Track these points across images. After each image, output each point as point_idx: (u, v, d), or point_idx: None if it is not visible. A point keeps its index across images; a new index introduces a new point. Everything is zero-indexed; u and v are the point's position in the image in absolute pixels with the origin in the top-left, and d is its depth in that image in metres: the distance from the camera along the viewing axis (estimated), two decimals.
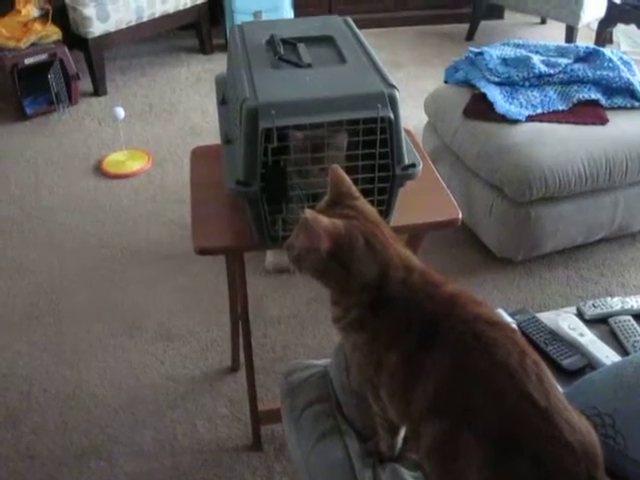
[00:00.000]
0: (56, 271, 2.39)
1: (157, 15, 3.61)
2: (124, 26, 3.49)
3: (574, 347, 1.35)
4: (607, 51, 2.51)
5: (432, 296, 0.97)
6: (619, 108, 2.37)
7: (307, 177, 1.23)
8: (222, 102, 1.50)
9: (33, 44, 3.23)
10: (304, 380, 1.32)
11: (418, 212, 1.40)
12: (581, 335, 1.37)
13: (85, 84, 3.52)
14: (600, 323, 1.42)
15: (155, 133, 3.22)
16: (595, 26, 3.84)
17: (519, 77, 2.43)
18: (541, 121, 2.31)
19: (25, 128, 3.27)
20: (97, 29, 3.38)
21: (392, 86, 1.22)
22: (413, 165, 1.27)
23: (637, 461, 1.03)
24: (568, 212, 2.26)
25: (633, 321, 1.40)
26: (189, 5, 3.74)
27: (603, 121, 2.31)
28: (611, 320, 1.41)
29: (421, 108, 2.69)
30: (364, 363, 1.03)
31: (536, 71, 2.42)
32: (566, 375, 1.28)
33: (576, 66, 2.45)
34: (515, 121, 2.30)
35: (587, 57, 2.52)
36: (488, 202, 2.29)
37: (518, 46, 2.65)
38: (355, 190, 1.02)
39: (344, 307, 1.01)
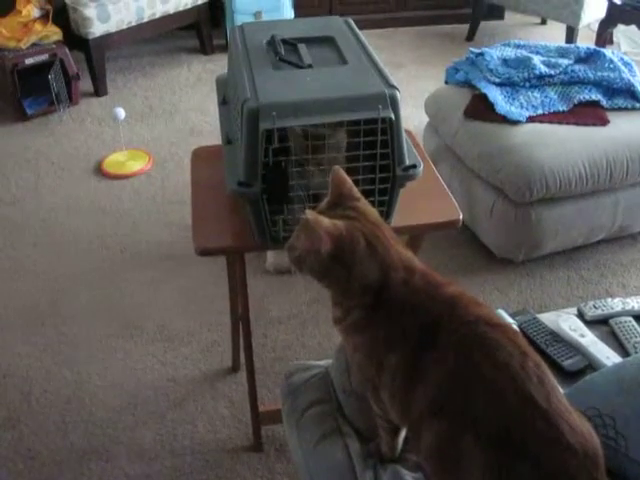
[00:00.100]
0: (56, 272, 2.39)
1: (157, 15, 3.61)
2: (125, 26, 3.49)
3: (575, 348, 1.35)
4: (608, 52, 2.51)
5: (433, 297, 0.97)
6: (620, 109, 2.37)
7: (308, 178, 1.23)
8: (223, 103, 1.50)
9: (34, 44, 3.24)
10: (305, 381, 1.31)
11: (419, 213, 1.40)
12: (582, 336, 1.37)
13: (85, 84, 3.52)
14: (601, 324, 1.42)
15: (155, 133, 3.22)
16: (595, 27, 3.84)
17: (520, 78, 2.43)
18: (542, 122, 2.31)
19: (25, 128, 3.27)
20: (98, 29, 3.38)
21: (393, 87, 1.21)
22: (414, 166, 1.27)
23: (638, 462, 1.03)
24: (569, 213, 2.26)
25: (634, 322, 1.40)
26: (189, 6, 3.74)
27: (604, 122, 2.31)
28: (612, 321, 1.41)
29: (421, 108, 2.69)
30: (365, 364, 1.03)
31: (537, 72, 2.42)
32: (567, 376, 1.28)
33: (577, 67, 2.45)
34: (516, 122, 2.30)
35: (588, 58, 2.52)
36: (489, 203, 2.28)
37: (519, 47, 2.65)
38: (356, 191, 1.02)
39: (345, 308, 1.01)
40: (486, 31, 4.25)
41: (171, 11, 3.66)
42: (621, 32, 4.10)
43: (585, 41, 3.70)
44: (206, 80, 3.70)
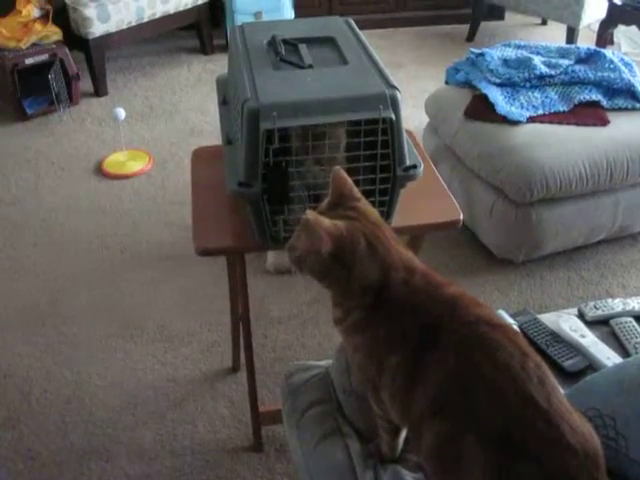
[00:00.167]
0: (56, 272, 2.39)
1: (158, 16, 3.61)
2: (125, 26, 3.49)
3: (575, 348, 1.35)
4: (608, 52, 2.51)
5: (433, 298, 0.97)
6: (620, 109, 2.37)
7: (308, 178, 1.23)
8: (223, 103, 1.50)
9: (34, 44, 3.24)
10: (305, 381, 1.31)
11: (419, 213, 1.40)
12: (582, 336, 1.37)
13: (85, 84, 3.52)
14: (601, 324, 1.42)
15: (156, 134, 3.22)
16: (596, 27, 3.84)
17: (520, 78, 2.43)
18: (542, 122, 2.31)
19: (25, 128, 3.27)
20: (98, 29, 3.38)
21: (393, 87, 1.21)
22: (414, 166, 1.27)
23: (638, 462, 1.03)
24: (569, 213, 2.26)
25: (634, 322, 1.40)
26: (190, 6, 3.74)
27: (604, 122, 2.31)
28: (612, 321, 1.41)
29: (422, 109, 2.69)
30: (365, 365, 1.03)
31: (537, 72, 2.42)
32: (567, 376, 1.28)
33: (577, 67, 2.45)
34: (516, 122, 2.30)
35: (588, 58, 2.52)
36: (489, 203, 2.28)
37: (519, 47, 2.65)
38: (357, 191, 1.02)
39: (345, 309, 1.01)
40: (486, 31, 4.25)
41: (171, 11, 3.66)
42: (621, 32, 4.10)
43: (585, 41, 3.69)
44: (206, 80, 3.70)
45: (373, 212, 1.01)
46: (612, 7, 3.64)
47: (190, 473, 1.72)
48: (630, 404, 1.06)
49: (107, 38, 3.45)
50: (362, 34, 1.43)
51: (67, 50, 3.31)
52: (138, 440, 1.80)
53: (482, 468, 0.87)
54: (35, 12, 3.28)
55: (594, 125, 2.30)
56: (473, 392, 0.89)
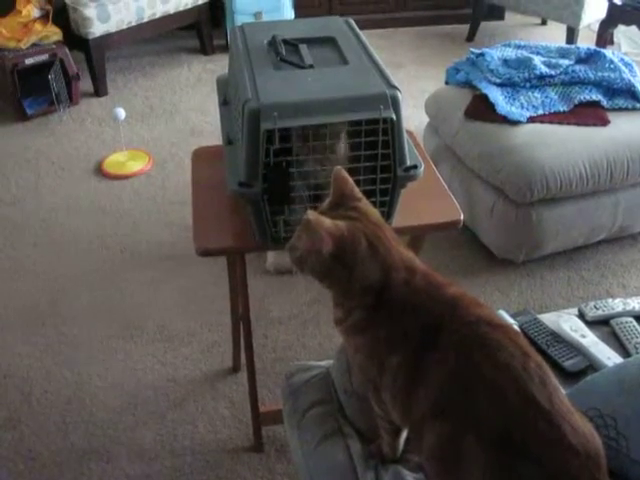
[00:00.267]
0: (56, 272, 2.39)
1: (158, 16, 3.61)
2: (125, 26, 3.49)
3: (576, 348, 1.35)
4: (608, 52, 2.51)
5: (434, 298, 0.97)
6: (620, 109, 2.37)
7: (309, 178, 1.23)
8: (224, 103, 1.50)
9: (34, 44, 3.24)
10: (306, 382, 1.31)
11: (420, 213, 1.40)
12: (583, 336, 1.37)
13: (85, 84, 3.52)
14: (602, 324, 1.42)
15: (156, 134, 3.22)
16: (596, 27, 3.84)
17: (520, 78, 2.43)
18: (542, 122, 2.31)
19: (25, 128, 3.27)
20: (98, 29, 3.38)
21: (394, 87, 1.21)
22: (415, 166, 1.27)
23: (639, 462, 1.03)
24: (569, 213, 2.26)
25: (635, 322, 1.40)
26: (190, 6, 3.74)
27: (604, 122, 2.31)
28: (613, 321, 1.41)
29: (422, 109, 2.69)
30: (366, 365, 1.03)
31: (537, 72, 2.42)
32: (568, 376, 1.28)
33: (577, 67, 2.45)
34: (516, 122, 2.29)
35: (588, 58, 2.52)
36: (489, 203, 2.28)
37: (519, 47, 2.65)
38: (358, 191, 1.02)
39: (346, 309, 1.01)
40: (486, 31, 4.25)
41: (171, 11, 3.66)
42: (621, 33, 4.10)
43: (585, 42, 3.69)
44: (206, 80, 3.70)
45: (374, 212, 1.01)
46: (612, 7, 3.64)
47: (190, 473, 1.72)
48: (631, 404, 1.06)
49: (107, 38, 3.45)
50: (362, 34, 1.43)
51: (67, 50, 3.31)
52: (138, 440, 1.80)
53: (483, 469, 0.87)
54: (35, 12, 3.28)
55: (594, 125, 2.30)
56: (474, 392, 0.89)
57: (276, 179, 1.20)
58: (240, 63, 1.31)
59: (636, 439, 1.03)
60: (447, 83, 2.66)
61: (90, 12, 3.32)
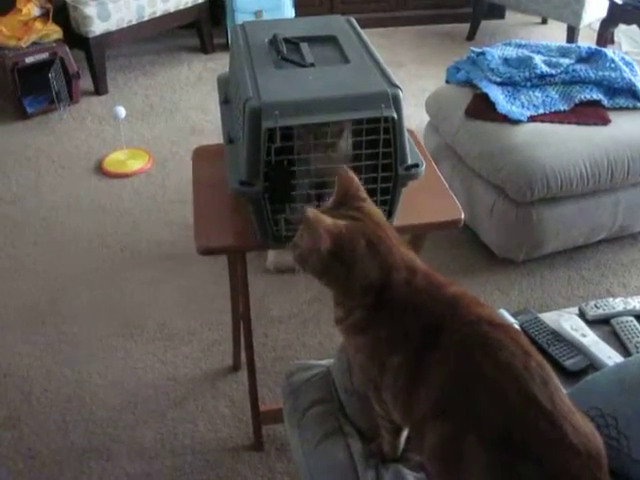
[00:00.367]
0: (56, 270, 2.39)
1: (158, 14, 3.61)
2: (125, 25, 3.49)
3: (576, 348, 1.35)
4: (609, 51, 2.51)
5: (435, 298, 0.97)
6: (621, 109, 2.37)
7: (310, 177, 1.23)
8: (224, 102, 1.50)
9: (34, 43, 3.23)
10: (306, 381, 1.31)
11: (421, 212, 1.40)
12: (583, 336, 1.37)
13: (86, 83, 3.52)
14: (602, 324, 1.42)
15: (156, 132, 3.22)
16: (596, 26, 3.84)
17: (521, 77, 2.43)
18: (543, 121, 2.31)
19: (26, 127, 3.27)
20: (98, 28, 3.38)
21: (395, 86, 1.21)
22: (416, 165, 1.27)
23: None
24: (569, 212, 2.25)
25: (635, 322, 1.40)
26: (190, 4, 3.74)
27: (605, 121, 2.31)
28: (613, 321, 1.41)
29: (422, 108, 2.69)
30: (367, 365, 1.03)
31: (538, 71, 2.42)
32: (568, 376, 1.28)
33: (578, 66, 2.44)
34: (517, 121, 2.29)
35: (589, 57, 2.52)
36: (490, 202, 2.28)
37: (520, 46, 2.65)
38: (363, 192, 1.02)
39: (347, 308, 1.01)
40: (487, 30, 4.24)
41: (171, 10, 3.66)
42: (622, 32, 4.09)
43: (586, 41, 3.70)
44: (207, 79, 3.70)
45: (377, 213, 1.01)
46: (613, 6, 3.64)
47: (190, 472, 1.72)
48: (632, 403, 1.06)
49: (107, 37, 3.45)
50: (363, 33, 1.43)
51: (67, 49, 3.31)
52: (138, 439, 1.80)
53: (484, 468, 0.87)
54: (35, 11, 3.28)
55: (595, 124, 2.30)
56: (475, 392, 0.89)
57: (277, 178, 1.20)
58: (241, 62, 1.31)
59: (637, 438, 1.03)
60: (448, 82, 2.66)
61: (90, 10, 3.32)
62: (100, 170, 2.94)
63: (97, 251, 2.48)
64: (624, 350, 1.34)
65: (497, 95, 2.38)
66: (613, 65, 2.43)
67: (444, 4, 4.41)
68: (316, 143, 1.19)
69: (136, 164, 2.95)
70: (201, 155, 1.62)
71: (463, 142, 2.38)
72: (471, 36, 4.19)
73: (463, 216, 1.40)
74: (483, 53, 2.57)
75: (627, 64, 2.48)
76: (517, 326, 1.39)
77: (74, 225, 2.61)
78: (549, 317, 1.45)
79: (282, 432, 1.78)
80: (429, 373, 0.92)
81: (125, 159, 2.97)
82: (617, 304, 1.45)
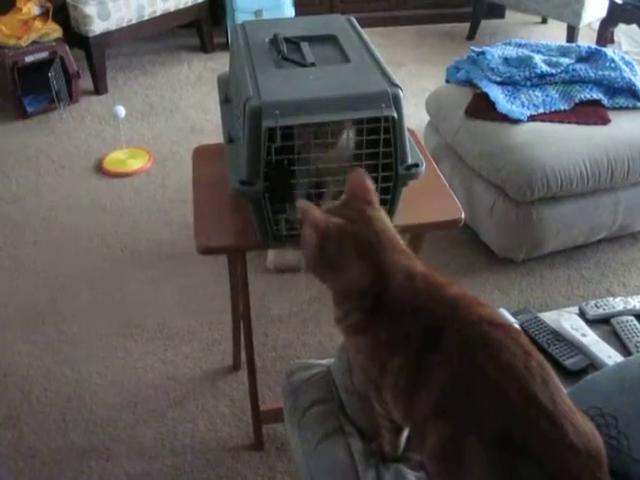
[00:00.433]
0: (56, 270, 2.39)
1: (158, 13, 3.61)
2: (125, 24, 3.49)
3: (576, 347, 1.35)
4: (609, 51, 2.51)
5: (435, 299, 0.96)
6: (621, 108, 2.37)
7: (310, 176, 1.23)
8: (225, 101, 1.50)
9: (34, 42, 3.23)
10: (306, 380, 1.31)
11: (421, 212, 1.40)
12: (583, 335, 1.37)
13: (86, 82, 3.52)
14: (602, 323, 1.42)
15: (156, 132, 3.22)
16: (596, 26, 3.84)
17: (521, 77, 2.43)
18: (543, 121, 2.31)
19: (26, 126, 3.27)
20: (98, 27, 3.37)
21: (396, 85, 1.21)
22: (416, 165, 1.27)
23: None
24: (569, 212, 2.26)
25: (635, 321, 1.40)
26: (190, 3, 3.74)
27: (605, 121, 2.31)
28: (613, 320, 1.41)
29: (422, 107, 2.69)
30: (367, 366, 1.02)
31: (538, 71, 2.42)
32: (568, 375, 1.28)
33: (578, 66, 2.44)
34: (517, 121, 2.29)
35: (589, 57, 2.52)
36: (489, 202, 2.28)
37: (520, 46, 2.65)
38: (372, 195, 1.01)
39: (345, 309, 1.01)
40: (487, 30, 4.24)
41: (171, 9, 3.66)
42: (622, 31, 4.09)
43: (586, 40, 3.69)
44: (207, 78, 3.70)
45: (380, 218, 0.99)
46: (613, 6, 3.64)
47: (190, 472, 1.72)
48: (632, 403, 1.06)
49: (107, 36, 3.45)
50: (364, 32, 1.43)
51: (67, 48, 3.31)
52: (138, 438, 1.80)
53: (484, 468, 0.87)
54: (35, 10, 3.28)
55: (595, 124, 2.30)
56: (476, 392, 0.89)
57: (277, 177, 1.20)
58: (241, 61, 1.31)
59: (637, 438, 1.03)
60: (448, 82, 2.66)
61: (90, 10, 3.32)
62: (100, 170, 2.94)
63: (97, 250, 2.48)
64: (624, 349, 1.34)
65: (497, 95, 2.38)
66: (613, 65, 2.43)
67: (444, 3, 4.41)
68: (316, 143, 1.19)
69: (136, 163, 2.95)
70: (201, 154, 1.62)
71: (463, 142, 2.38)
72: (471, 36, 4.19)
73: (463, 216, 1.40)
74: (483, 53, 2.57)
75: (627, 64, 2.48)
76: (517, 326, 1.39)
77: (74, 225, 2.61)
78: (549, 317, 1.45)
79: (282, 432, 1.78)
80: (430, 374, 0.92)
81: (125, 158, 2.97)
82: (617, 303, 1.45)
